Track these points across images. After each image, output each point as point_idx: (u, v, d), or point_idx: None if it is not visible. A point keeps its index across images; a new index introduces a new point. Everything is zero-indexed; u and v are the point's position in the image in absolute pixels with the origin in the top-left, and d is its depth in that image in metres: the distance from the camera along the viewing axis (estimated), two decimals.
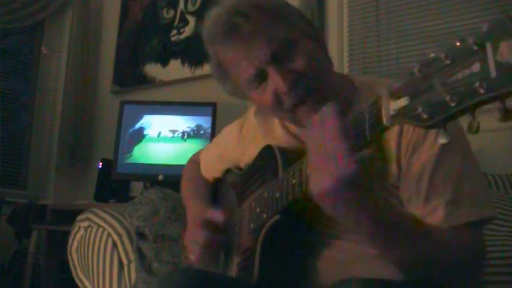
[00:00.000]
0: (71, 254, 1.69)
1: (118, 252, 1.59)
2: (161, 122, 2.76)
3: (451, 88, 0.51)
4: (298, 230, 0.91)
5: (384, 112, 0.60)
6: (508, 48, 0.47)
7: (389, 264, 0.78)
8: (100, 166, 2.89)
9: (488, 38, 0.49)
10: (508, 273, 1.28)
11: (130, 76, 3.29)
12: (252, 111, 1.16)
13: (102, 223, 1.63)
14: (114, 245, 1.59)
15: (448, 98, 0.51)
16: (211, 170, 1.26)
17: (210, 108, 2.67)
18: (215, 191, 1.25)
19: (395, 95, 0.58)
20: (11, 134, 3.36)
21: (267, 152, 0.99)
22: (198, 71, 2.97)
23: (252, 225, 0.94)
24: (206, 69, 2.90)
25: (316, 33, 0.96)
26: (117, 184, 2.84)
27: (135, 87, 3.26)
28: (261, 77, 0.90)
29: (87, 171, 3.30)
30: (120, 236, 1.60)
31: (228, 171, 1.19)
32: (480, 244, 0.85)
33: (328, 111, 0.67)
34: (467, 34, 0.51)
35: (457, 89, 0.51)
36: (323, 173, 0.65)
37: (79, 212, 1.76)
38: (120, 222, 1.64)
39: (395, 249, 0.75)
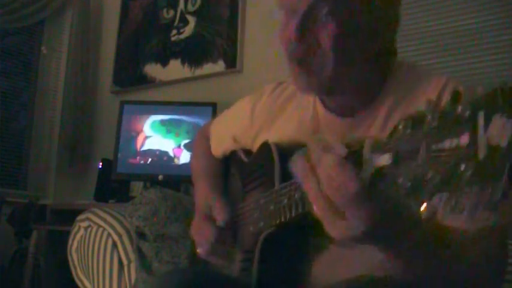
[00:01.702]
0: (71, 254, 1.69)
1: (118, 252, 1.59)
2: (160, 122, 2.77)
3: (436, 160, 0.44)
4: (294, 237, 0.89)
5: (364, 166, 0.52)
6: (499, 126, 0.40)
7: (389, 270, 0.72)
8: (100, 166, 2.89)
9: (481, 107, 0.41)
10: (507, 272, 1.28)
11: (130, 76, 3.29)
12: (267, 90, 1.08)
13: (102, 223, 1.63)
14: (114, 245, 1.59)
15: (430, 175, 0.44)
16: (220, 146, 1.20)
17: (210, 108, 2.66)
18: (224, 171, 1.20)
19: (377, 149, 0.51)
20: (11, 134, 3.36)
21: (265, 149, 0.95)
22: (198, 71, 2.96)
23: (251, 228, 0.94)
24: (206, 69, 2.90)
25: (381, 26, 0.84)
26: (117, 184, 2.85)
27: (135, 87, 3.26)
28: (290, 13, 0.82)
29: (87, 171, 3.30)
30: (120, 236, 1.60)
31: (234, 152, 1.14)
32: (506, 251, 0.78)
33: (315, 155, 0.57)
34: (460, 96, 0.43)
35: (441, 165, 0.43)
36: (336, 228, 0.58)
37: (79, 212, 1.76)
38: (120, 222, 1.64)
39: (417, 266, 0.68)
